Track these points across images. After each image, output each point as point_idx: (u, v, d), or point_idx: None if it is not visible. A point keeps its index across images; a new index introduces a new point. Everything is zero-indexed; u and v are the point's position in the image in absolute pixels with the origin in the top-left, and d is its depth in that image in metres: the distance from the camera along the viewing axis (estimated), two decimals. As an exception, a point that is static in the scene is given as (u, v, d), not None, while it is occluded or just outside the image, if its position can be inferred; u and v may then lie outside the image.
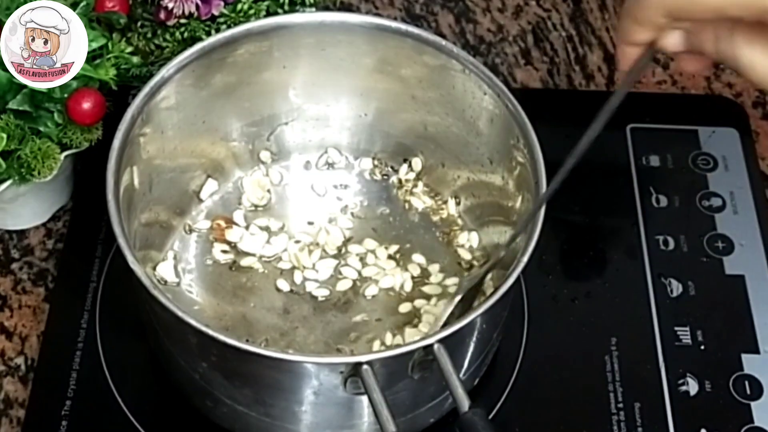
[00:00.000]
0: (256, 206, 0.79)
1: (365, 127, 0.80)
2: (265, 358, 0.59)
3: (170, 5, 0.75)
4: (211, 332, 0.59)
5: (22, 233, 0.81)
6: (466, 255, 0.77)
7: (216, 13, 0.76)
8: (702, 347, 0.75)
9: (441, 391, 0.66)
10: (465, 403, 0.58)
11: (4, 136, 0.70)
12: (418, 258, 0.77)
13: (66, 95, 0.71)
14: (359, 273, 0.76)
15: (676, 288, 0.78)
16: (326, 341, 0.72)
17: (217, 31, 0.75)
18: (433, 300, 0.74)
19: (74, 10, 0.69)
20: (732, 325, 0.77)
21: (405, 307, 0.74)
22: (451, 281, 0.75)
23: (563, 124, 0.86)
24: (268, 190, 0.80)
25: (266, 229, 0.78)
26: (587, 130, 0.59)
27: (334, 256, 0.77)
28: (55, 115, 0.72)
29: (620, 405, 0.73)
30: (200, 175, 0.78)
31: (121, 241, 0.62)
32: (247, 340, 0.71)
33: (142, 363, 0.74)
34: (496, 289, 0.62)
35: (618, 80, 0.59)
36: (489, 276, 0.70)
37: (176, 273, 0.75)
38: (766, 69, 0.51)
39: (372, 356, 0.58)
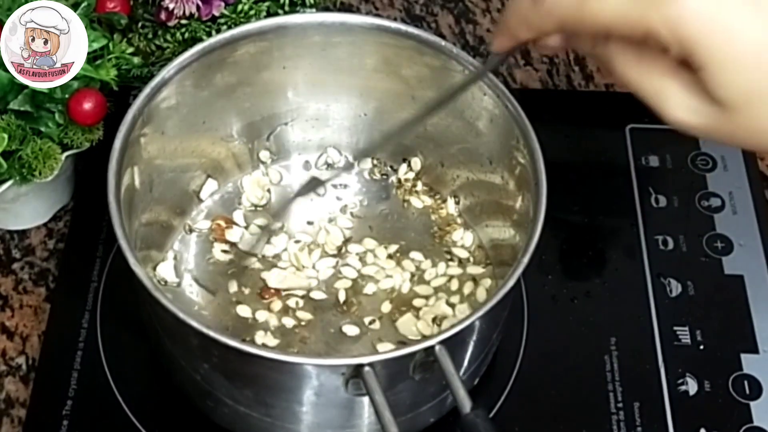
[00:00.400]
0: (255, 206, 0.79)
1: (365, 127, 0.80)
2: (266, 359, 0.59)
3: (171, 6, 0.75)
4: (212, 334, 0.59)
5: (23, 233, 0.81)
6: (461, 253, 0.77)
7: (216, 13, 0.76)
8: (701, 347, 0.75)
9: (441, 391, 0.66)
10: (467, 404, 0.58)
11: (6, 136, 0.70)
12: (418, 257, 0.77)
13: (67, 96, 0.72)
14: (359, 272, 0.76)
15: (675, 288, 0.78)
16: (327, 341, 0.72)
17: (218, 31, 0.75)
18: (432, 299, 0.75)
19: (75, 11, 0.69)
20: (731, 325, 0.77)
21: (405, 307, 0.74)
22: (450, 280, 0.76)
23: (563, 124, 0.87)
24: (268, 190, 0.80)
25: (266, 228, 0.78)
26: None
27: (334, 256, 0.77)
28: (56, 115, 0.73)
29: (620, 404, 0.73)
30: (200, 175, 0.78)
31: (122, 242, 0.62)
32: (245, 340, 0.71)
33: (143, 363, 0.74)
34: (496, 291, 0.62)
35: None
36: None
37: (177, 273, 0.75)
38: (637, 76, 0.54)
39: (374, 358, 0.58)
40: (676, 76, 0.52)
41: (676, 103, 0.53)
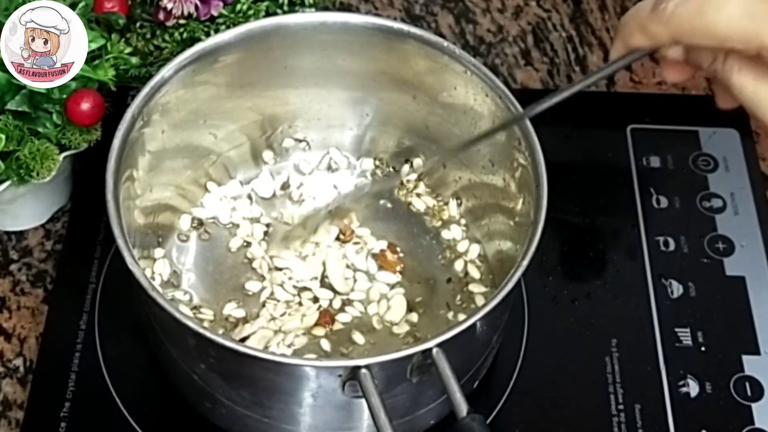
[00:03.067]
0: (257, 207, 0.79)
1: (366, 127, 0.80)
2: (263, 361, 0.59)
3: (169, 6, 0.75)
4: (209, 334, 0.59)
5: (20, 234, 0.81)
6: (463, 258, 0.77)
7: (215, 13, 0.76)
8: (702, 348, 0.75)
9: (440, 394, 0.65)
10: (463, 408, 0.57)
11: (3, 137, 0.70)
12: (419, 258, 0.76)
13: (65, 96, 0.71)
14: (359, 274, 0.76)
15: (676, 289, 0.78)
16: (326, 342, 0.72)
17: (216, 31, 0.75)
18: (434, 300, 0.74)
19: (73, 11, 0.69)
20: (732, 327, 0.76)
21: (405, 309, 0.74)
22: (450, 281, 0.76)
23: (563, 124, 0.87)
24: (269, 192, 0.80)
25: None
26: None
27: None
28: (54, 115, 0.72)
29: (621, 407, 0.72)
30: (199, 176, 0.78)
31: (121, 242, 0.62)
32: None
33: (141, 364, 0.74)
34: (496, 293, 0.61)
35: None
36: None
37: (175, 274, 0.75)
38: (755, 93, 0.55)
39: (371, 360, 0.58)
40: None
41: None
